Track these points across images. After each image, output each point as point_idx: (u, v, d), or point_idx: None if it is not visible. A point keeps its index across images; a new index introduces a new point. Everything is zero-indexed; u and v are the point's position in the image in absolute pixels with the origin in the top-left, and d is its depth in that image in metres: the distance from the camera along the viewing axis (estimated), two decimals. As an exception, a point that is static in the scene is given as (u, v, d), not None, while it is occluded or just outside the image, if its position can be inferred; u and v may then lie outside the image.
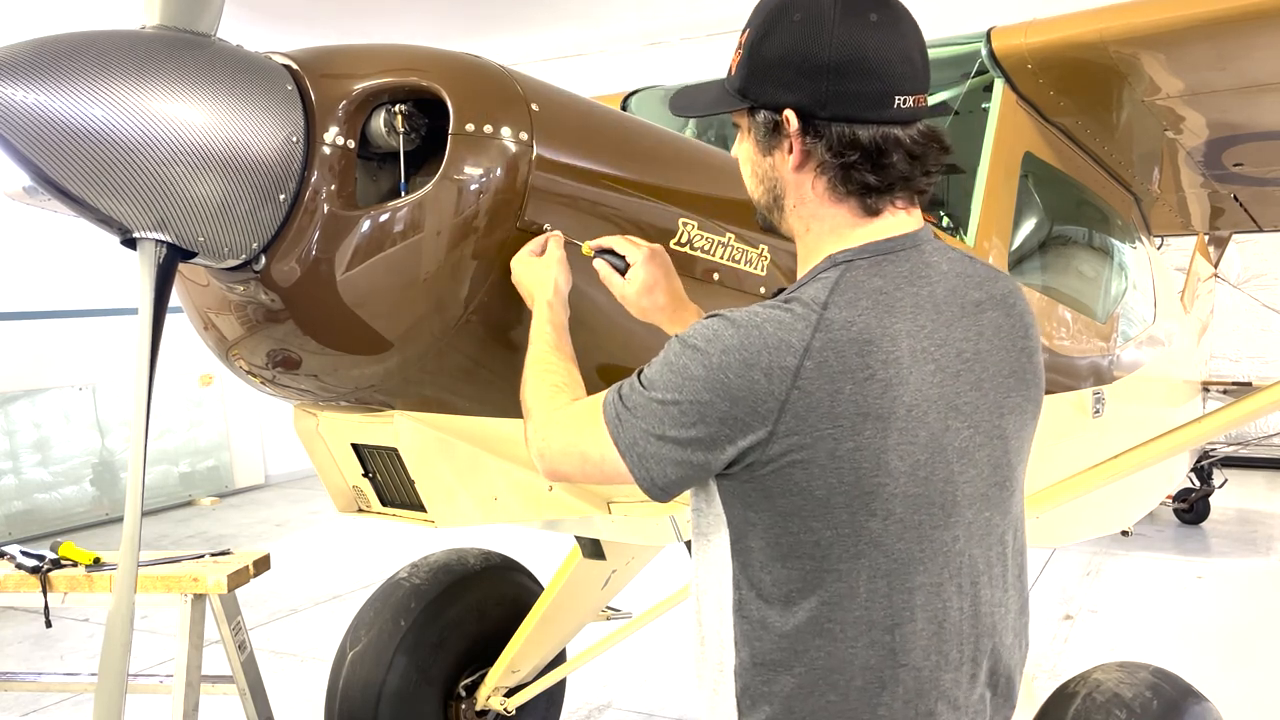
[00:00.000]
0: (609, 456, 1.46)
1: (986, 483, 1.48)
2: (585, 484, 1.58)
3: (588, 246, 1.82)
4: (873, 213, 1.46)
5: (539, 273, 1.77)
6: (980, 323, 1.48)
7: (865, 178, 1.43)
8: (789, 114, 1.44)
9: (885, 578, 1.40)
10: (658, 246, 1.84)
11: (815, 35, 1.41)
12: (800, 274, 1.51)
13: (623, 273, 1.81)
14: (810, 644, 1.41)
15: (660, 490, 1.44)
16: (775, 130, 1.47)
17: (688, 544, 2.18)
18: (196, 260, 1.71)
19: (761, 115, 1.48)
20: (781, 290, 1.48)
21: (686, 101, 1.65)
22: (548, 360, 1.68)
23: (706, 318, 1.42)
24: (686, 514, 1.61)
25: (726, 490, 1.44)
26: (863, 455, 1.35)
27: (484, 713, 3.53)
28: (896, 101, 1.41)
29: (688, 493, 1.54)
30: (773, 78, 1.45)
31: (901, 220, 1.48)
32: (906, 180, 1.45)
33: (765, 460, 1.37)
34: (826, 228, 1.48)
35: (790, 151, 1.46)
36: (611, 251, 1.82)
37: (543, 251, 1.79)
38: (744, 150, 1.55)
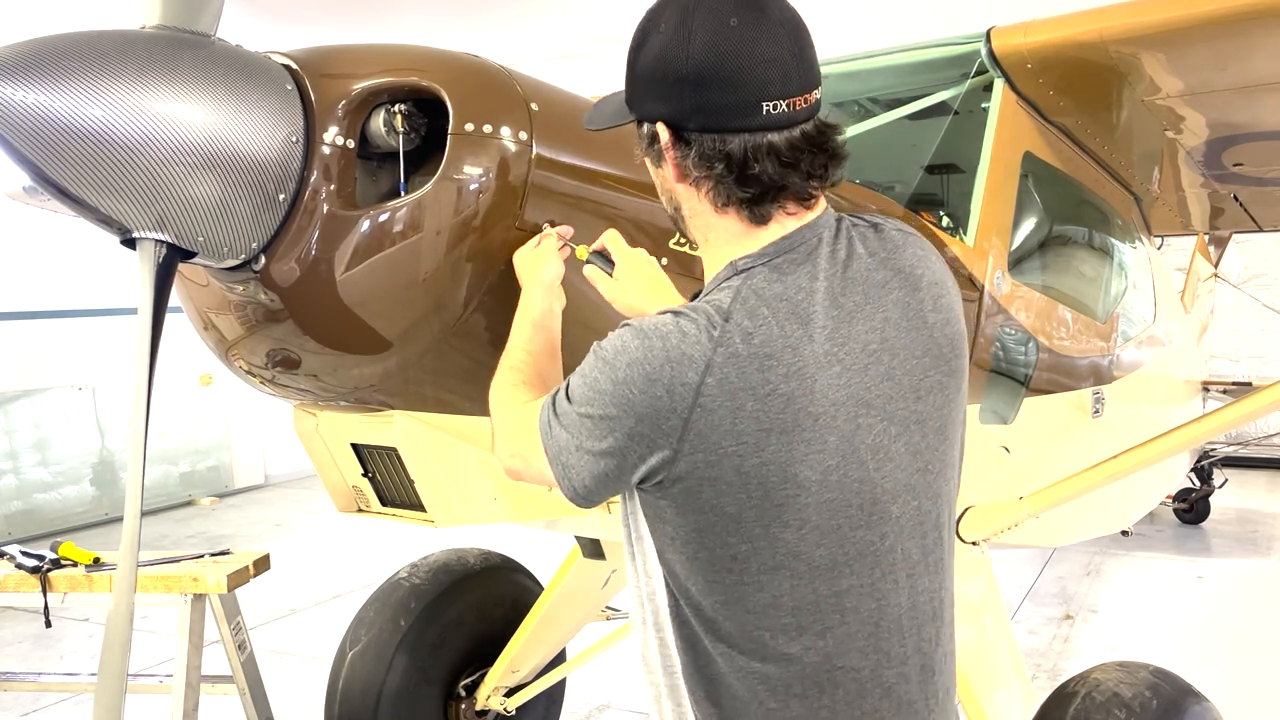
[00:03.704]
0: (544, 467, 1.47)
1: (908, 472, 1.45)
2: (532, 485, 1.60)
3: (582, 250, 1.83)
4: (760, 221, 1.43)
5: (532, 261, 1.80)
6: (885, 306, 1.44)
7: (733, 191, 1.41)
8: (660, 127, 1.43)
9: (809, 584, 1.39)
10: (642, 251, 1.84)
11: (677, 45, 1.37)
12: (707, 281, 1.50)
13: (611, 274, 1.82)
14: (744, 651, 1.41)
15: (582, 498, 1.45)
16: (655, 143, 1.45)
17: None
18: (196, 260, 1.71)
19: (644, 128, 1.47)
20: (697, 295, 1.47)
21: (595, 116, 1.63)
22: (516, 358, 1.70)
23: (620, 327, 1.42)
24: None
25: (645, 504, 1.45)
26: (769, 470, 1.34)
27: (484, 712, 3.53)
28: (765, 108, 1.36)
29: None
30: (646, 90, 1.44)
31: (792, 227, 1.44)
32: (780, 188, 1.41)
33: (673, 479, 1.37)
34: (722, 237, 1.46)
35: (669, 164, 1.45)
36: (601, 254, 1.83)
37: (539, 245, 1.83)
38: (645, 162, 1.54)
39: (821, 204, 1.48)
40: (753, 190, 1.41)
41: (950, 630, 1.56)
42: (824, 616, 1.40)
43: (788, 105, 1.38)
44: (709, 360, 1.33)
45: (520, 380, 1.66)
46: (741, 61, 1.36)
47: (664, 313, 1.40)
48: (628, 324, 1.40)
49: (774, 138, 1.38)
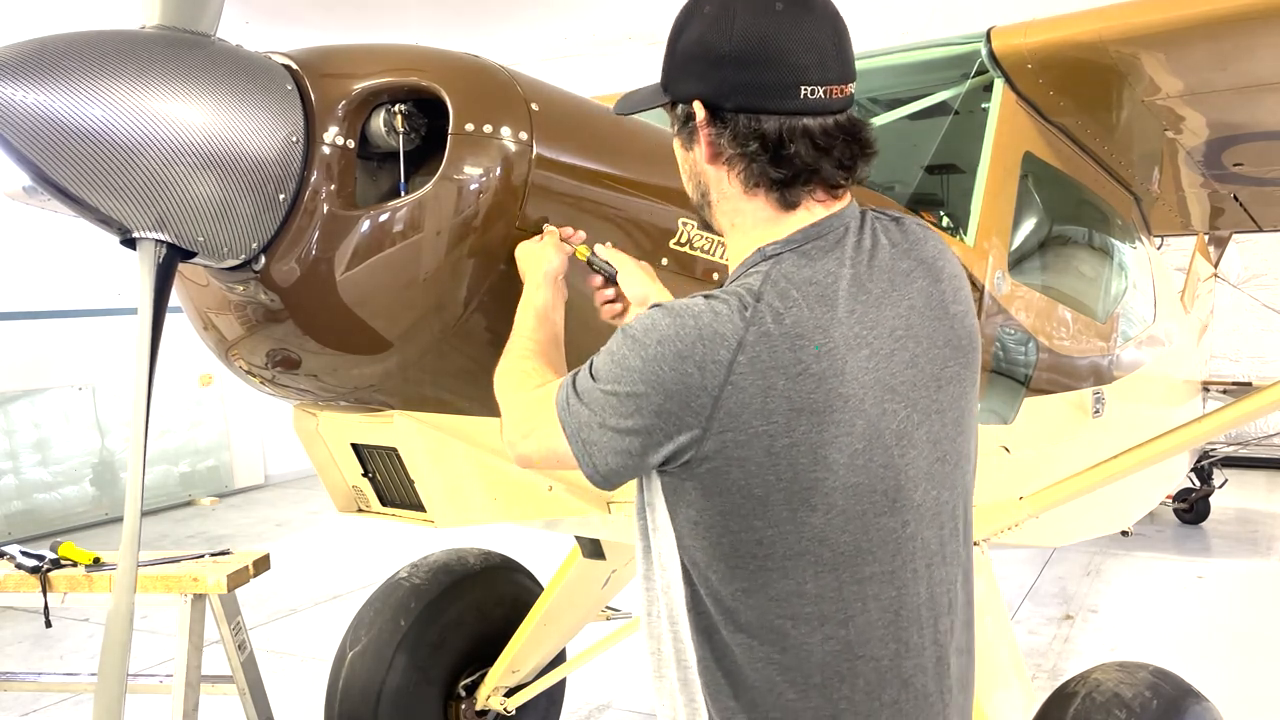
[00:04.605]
0: (560, 444, 1.46)
1: (929, 460, 1.46)
2: (546, 470, 1.58)
3: (583, 250, 1.83)
4: (789, 206, 1.45)
5: (534, 254, 1.80)
6: (910, 294, 1.46)
7: (767, 170, 1.42)
8: (696, 105, 1.45)
9: (832, 571, 1.39)
10: (642, 264, 1.85)
11: (720, 26, 1.40)
12: (732, 269, 1.50)
13: (609, 278, 1.83)
14: (765, 641, 1.41)
15: (602, 478, 1.44)
16: (690, 123, 1.47)
17: None
18: (196, 260, 1.71)
19: (679, 109, 1.49)
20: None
21: (628, 102, 1.66)
22: (523, 346, 1.70)
23: (649, 308, 1.42)
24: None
25: (667, 488, 1.44)
26: (799, 451, 1.34)
27: (484, 712, 3.53)
28: (803, 92, 1.39)
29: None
30: (685, 70, 1.47)
31: (821, 214, 1.46)
32: (812, 172, 1.42)
33: (701, 458, 1.36)
34: (749, 221, 1.47)
35: (703, 144, 1.46)
36: (597, 257, 1.84)
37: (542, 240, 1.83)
38: (675, 146, 1.56)
39: (848, 197, 1.49)
40: (785, 172, 1.42)
41: (966, 626, 1.56)
42: (846, 605, 1.40)
43: (825, 92, 1.40)
44: (741, 338, 1.33)
45: (528, 367, 1.65)
46: (783, 44, 1.39)
47: (694, 295, 1.41)
48: (658, 305, 1.41)
49: (809, 122, 1.41)
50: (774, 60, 1.38)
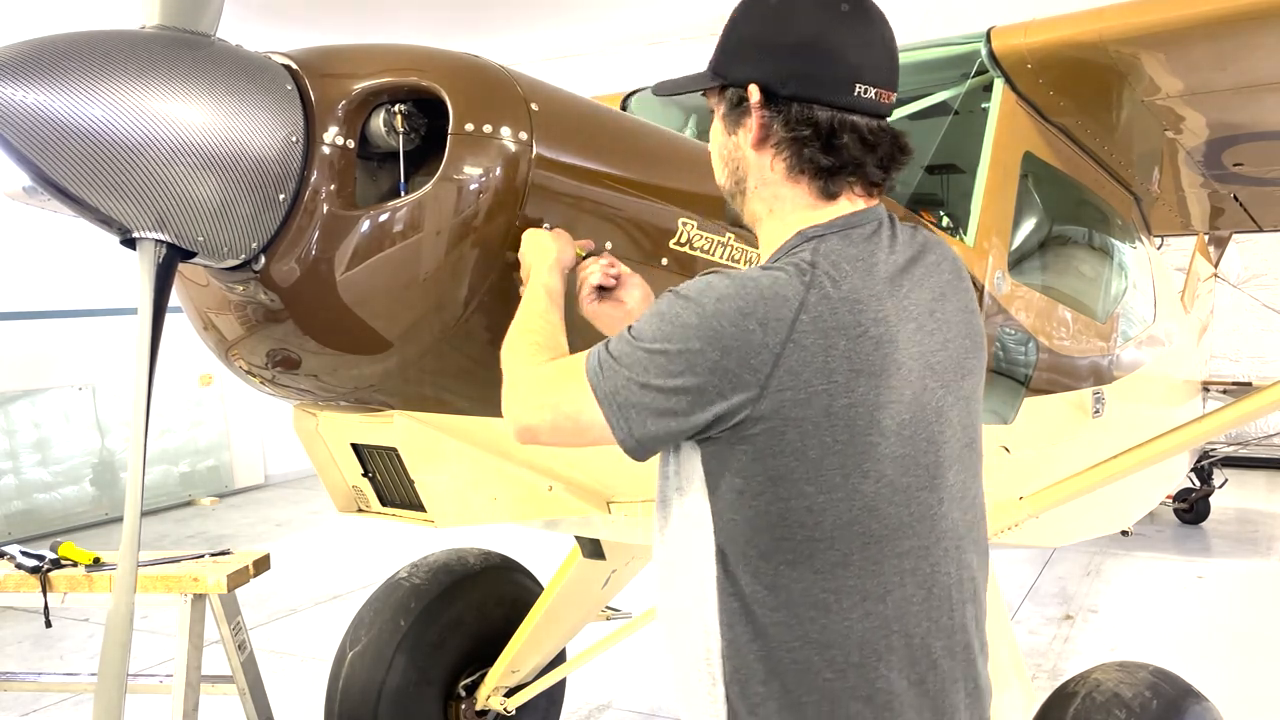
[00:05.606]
0: (585, 409, 1.42)
1: (959, 444, 1.49)
2: (555, 444, 1.53)
3: (578, 248, 1.83)
4: (830, 196, 1.49)
5: (542, 244, 1.79)
6: (940, 284, 1.51)
7: (816, 156, 1.46)
8: (752, 88, 1.48)
9: (877, 544, 1.40)
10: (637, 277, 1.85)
11: (785, 17, 1.46)
12: (767, 255, 1.51)
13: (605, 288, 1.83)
14: (804, 618, 1.40)
15: (636, 444, 1.41)
16: (739, 106, 1.51)
17: None
18: (196, 260, 1.71)
19: (730, 92, 1.53)
20: None
21: (669, 84, 1.70)
22: (533, 322, 1.66)
23: (700, 274, 1.43)
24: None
25: (710, 456, 1.42)
26: (857, 413, 1.36)
27: (484, 712, 3.53)
28: (857, 89, 1.44)
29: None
30: (743, 55, 1.51)
31: (860, 206, 1.51)
32: (858, 165, 1.47)
33: (756, 418, 1.35)
34: (788, 208, 1.50)
35: (751, 128, 1.49)
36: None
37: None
38: (714, 132, 1.59)
39: (879, 200, 1.54)
40: (833, 161, 1.46)
41: (979, 625, 1.57)
42: (885, 579, 1.41)
43: (875, 94, 1.46)
44: (803, 299, 1.35)
45: (539, 342, 1.61)
46: (846, 40, 1.45)
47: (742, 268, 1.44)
48: (711, 271, 1.43)
49: (858, 119, 1.46)
50: (834, 54, 1.44)
